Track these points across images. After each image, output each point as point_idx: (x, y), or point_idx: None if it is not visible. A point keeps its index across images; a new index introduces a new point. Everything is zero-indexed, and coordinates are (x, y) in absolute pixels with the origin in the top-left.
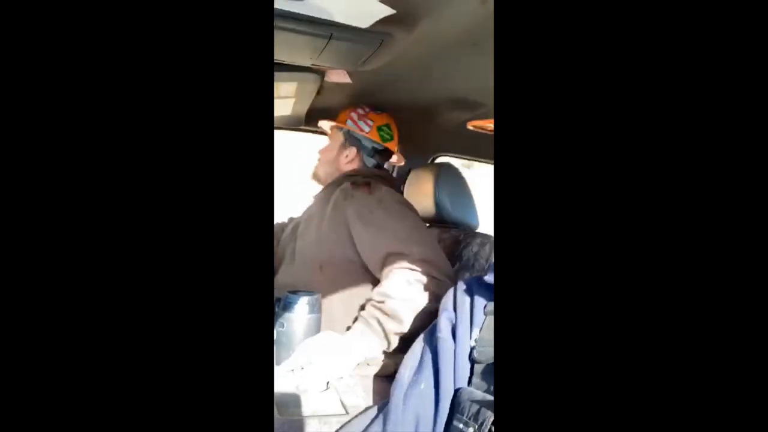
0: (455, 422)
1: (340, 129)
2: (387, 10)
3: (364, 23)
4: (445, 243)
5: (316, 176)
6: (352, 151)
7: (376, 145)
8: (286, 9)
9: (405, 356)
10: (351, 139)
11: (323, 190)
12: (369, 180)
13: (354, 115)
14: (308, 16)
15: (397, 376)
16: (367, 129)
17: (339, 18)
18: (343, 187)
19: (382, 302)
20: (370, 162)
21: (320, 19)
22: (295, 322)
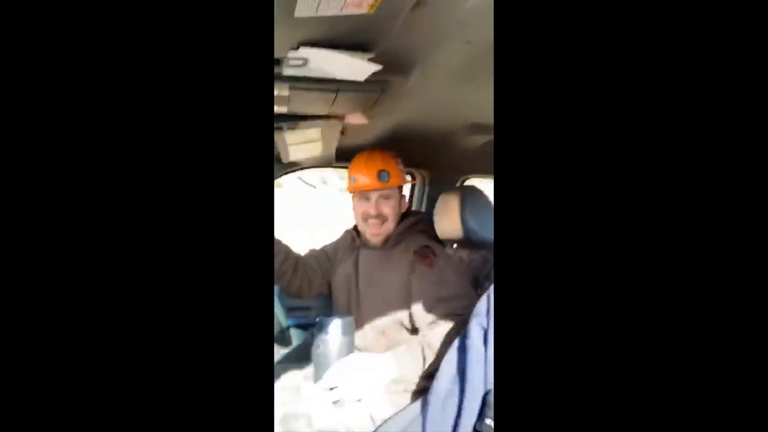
0: (487, 420)
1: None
2: (377, 66)
3: (361, 77)
4: (474, 264)
5: (387, 236)
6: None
7: None
8: (293, 74)
9: (441, 365)
10: (402, 191)
11: (381, 251)
12: (430, 251)
13: (402, 167)
14: (312, 77)
15: (434, 385)
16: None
17: (338, 76)
18: (411, 260)
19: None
20: None
21: (323, 78)
22: (330, 343)
